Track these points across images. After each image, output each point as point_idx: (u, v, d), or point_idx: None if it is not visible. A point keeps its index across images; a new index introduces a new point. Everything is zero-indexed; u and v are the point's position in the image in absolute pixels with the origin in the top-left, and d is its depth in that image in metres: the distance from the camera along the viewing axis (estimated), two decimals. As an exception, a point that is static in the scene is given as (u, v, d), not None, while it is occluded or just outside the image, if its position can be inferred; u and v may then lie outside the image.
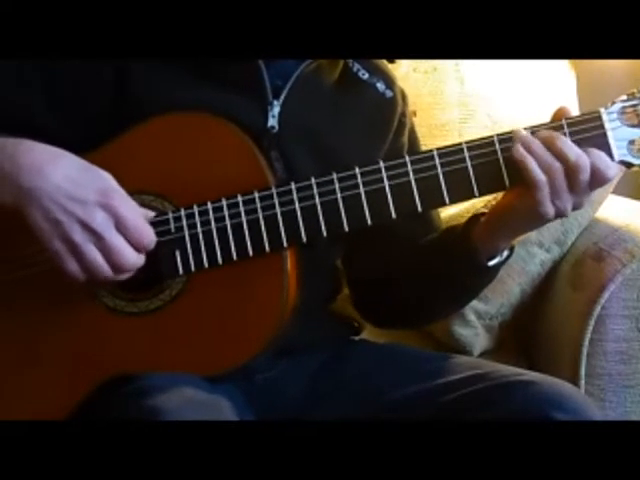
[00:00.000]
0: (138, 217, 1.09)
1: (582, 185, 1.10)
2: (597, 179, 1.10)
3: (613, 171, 1.11)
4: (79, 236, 1.06)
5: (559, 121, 1.12)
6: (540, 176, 1.09)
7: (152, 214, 1.12)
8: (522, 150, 1.10)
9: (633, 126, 1.13)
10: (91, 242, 1.07)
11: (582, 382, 1.51)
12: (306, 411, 1.22)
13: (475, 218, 1.21)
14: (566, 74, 1.81)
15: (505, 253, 1.21)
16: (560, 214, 1.12)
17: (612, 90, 1.20)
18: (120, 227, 1.08)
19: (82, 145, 1.14)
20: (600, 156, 1.10)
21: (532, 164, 1.09)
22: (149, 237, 1.10)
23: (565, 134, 1.12)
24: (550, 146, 1.10)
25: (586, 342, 1.50)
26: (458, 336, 1.62)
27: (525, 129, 1.12)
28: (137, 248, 1.09)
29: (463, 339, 1.62)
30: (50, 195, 1.06)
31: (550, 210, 1.11)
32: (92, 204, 1.06)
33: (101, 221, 1.07)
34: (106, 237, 1.07)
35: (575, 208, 1.12)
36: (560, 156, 1.09)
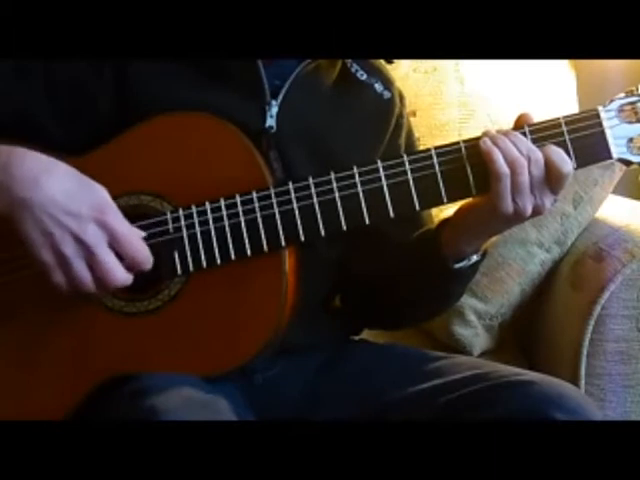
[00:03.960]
0: (132, 234, 1.09)
1: (541, 182, 1.10)
2: (554, 175, 1.10)
3: (569, 166, 1.11)
4: (70, 249, 1.05)
5: (557, 119, 1.13)
6: (504, 168, 1.10)
7: (144, 234, 1.11)
8: (489, 142, 1.11)
9: (631, 123, 1.13)
10: (81, 256, 1.06)
11: (582, 382, 1.50)
12: (306, 411, 1.22)
13: (447, 220, 1.21)
14: (566, 74, 1.81)
15: (474, 257, 1.21)
16: (519, 215, 1.12)
17: (611, 90, 1.20)
18: (113, 243, 1.07)
19: (82, 146, 1.14)
20: (558, 152, 1.11)
21: (498, 155, 1.10)
22: (143, 254, 1.09)
23: (563, 133, 1.12)
24: (515, 142, 1.11)
25: (586, 342, 1.50)
26: (458, 336, 1.62)
27: (524, 127, 1.13)
28: (130, 265, 1.08)
29: (463, 339, 1.62)
30: (44, 207, 1.04)
31: (509, 207, 1.11)
32: (86, 218, 1.05)
33: (94, 235, 1.06)
34: (97, 252, 1.06)
35: (535, 213, 1.12)
36: (525, 152, 1.10)
